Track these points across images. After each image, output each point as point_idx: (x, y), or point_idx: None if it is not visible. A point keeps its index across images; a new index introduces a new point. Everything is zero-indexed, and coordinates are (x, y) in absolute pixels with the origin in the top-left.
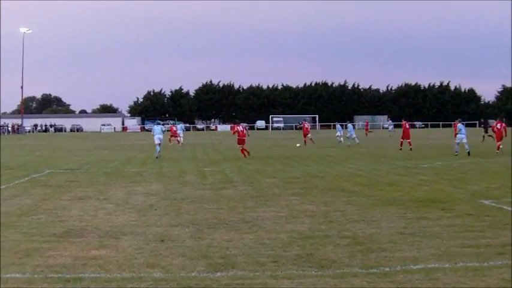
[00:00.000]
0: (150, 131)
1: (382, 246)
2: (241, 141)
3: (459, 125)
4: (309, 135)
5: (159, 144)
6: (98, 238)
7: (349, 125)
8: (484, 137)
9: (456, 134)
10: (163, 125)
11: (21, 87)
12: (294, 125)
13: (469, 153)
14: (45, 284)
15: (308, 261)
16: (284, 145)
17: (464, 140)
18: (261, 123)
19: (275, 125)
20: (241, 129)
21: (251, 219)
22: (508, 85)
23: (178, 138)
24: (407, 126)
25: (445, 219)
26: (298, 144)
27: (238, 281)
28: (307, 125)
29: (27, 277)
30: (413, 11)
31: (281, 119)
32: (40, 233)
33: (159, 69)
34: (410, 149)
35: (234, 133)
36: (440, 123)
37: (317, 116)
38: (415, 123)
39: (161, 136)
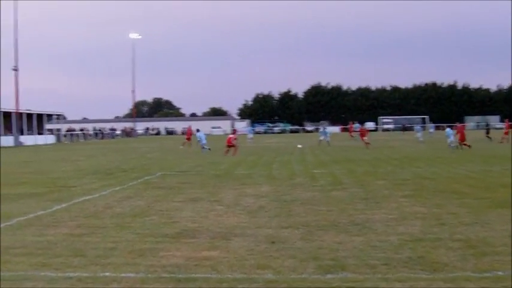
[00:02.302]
0: (259, 133)
1: (495, 249)
2: (229, 146)
3: (447, 130)
4: (365, 137)
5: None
6: (209, 239)
7: (321, 128)
8: (488, 137)
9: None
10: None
11: (133, 92)
12: (402, 124)
13: (457, 147)
14: (157, 284)
15: (419, 264)
16: (394, 146)
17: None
18: (370, 125)
19: (385, 126)
20: (233, 136)
21: (361, 221)
22: None
23: (190, 142)
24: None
25: None
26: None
27: (348, 284)
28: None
29: (140, 276)
30: None
31: (391, 120)
32: (153, 234)
33: (268, 72)
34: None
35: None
36: None
37: (427, 117)
38: None
39: (205, 141)
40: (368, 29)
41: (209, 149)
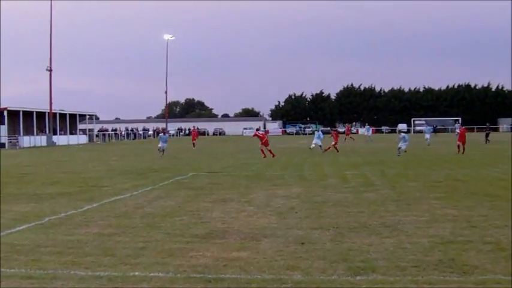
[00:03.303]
0: (291, 134)
1: None
2: (265, 143)
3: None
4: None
5: (160, 148)
6: (239, 240)
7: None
8: (486, 141)
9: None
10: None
11: (166, 92)
12: (433, 126)
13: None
14: (187, 284)
15: (450, 267)
16: (426, 148)
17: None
18: (402, 126)
19: (417, 128)
20: (261, 133)
21: (392, 223)
22: None
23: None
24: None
25: None
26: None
27: (378, 285)
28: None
29: (169, 276)
30: None
31: (423, 121)
32: (183, 234)
33: (301, 73)
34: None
35: (254, 136)
36: None
37: (460, 118)
38: None
39: (165, 144)
40: (400, 29)
41: (162, 153)
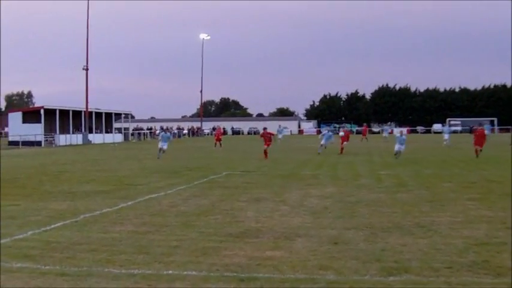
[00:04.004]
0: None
1: None
2: (267, 144)
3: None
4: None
5: (161, 149)
6: (272, 239)
7: (324, 131)
8: None
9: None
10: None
11: (201, 92)
12: (470, 126)
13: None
14: (220, 283)
15: (484, 268)
16: (460, 148)
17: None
18: (437, 127)
19: (452, 128)
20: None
21: (426, 223)
22: None
23: (217, 142)
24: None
25: None
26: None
27: (411, 286)
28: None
29: (203, 275)
30: None
31: (459, 122)
32: (216, 233)
33: (336, 73)
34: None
35: (261, 137)
36: None
37: (496, 119)
38: None
39: (165, 144)
40: (435, 29)
41: (162, 153)
